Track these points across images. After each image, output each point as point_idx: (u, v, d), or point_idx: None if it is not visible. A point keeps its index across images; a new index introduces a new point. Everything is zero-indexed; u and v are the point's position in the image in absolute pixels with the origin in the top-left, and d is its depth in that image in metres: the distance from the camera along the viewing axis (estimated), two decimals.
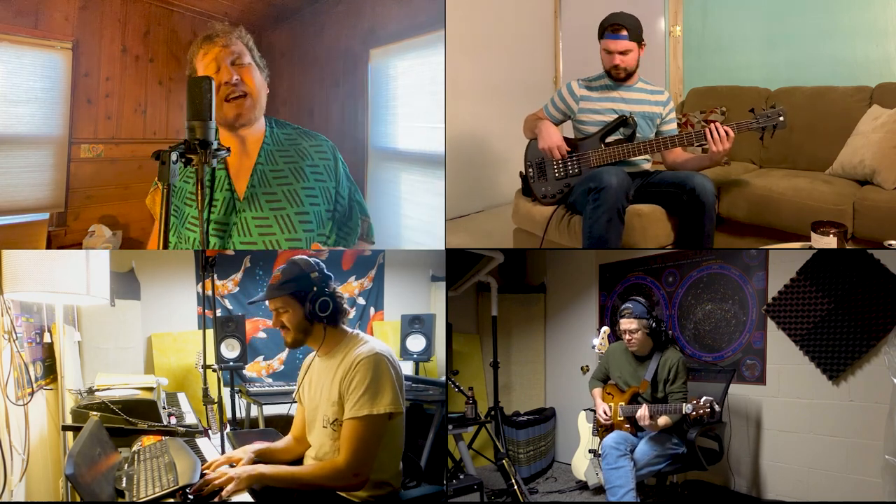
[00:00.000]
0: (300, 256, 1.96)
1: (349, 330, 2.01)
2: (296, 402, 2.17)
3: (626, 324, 2.86)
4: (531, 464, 3.69)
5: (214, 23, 2.08)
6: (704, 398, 2.61)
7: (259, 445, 2.06)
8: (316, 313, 1.90)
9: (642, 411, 2.70)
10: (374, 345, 1.93)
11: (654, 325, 2.86)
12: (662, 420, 2.70)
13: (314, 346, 2.00)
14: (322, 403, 1.96)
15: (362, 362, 1.86)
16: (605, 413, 2.92)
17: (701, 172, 2.97)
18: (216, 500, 1.70)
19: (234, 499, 1.72)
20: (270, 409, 3.74)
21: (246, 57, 2.10)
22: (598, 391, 3.03)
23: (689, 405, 2.63)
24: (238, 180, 2.13)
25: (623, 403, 2.87)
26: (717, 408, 2.61)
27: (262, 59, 2.18)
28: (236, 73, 2.06)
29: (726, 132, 2.81)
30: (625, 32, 2.95)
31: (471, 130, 4.53)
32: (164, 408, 2.70)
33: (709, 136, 2.83)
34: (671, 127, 3.14)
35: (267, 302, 1.96)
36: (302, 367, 2.13)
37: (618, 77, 3.04)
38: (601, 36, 3.02)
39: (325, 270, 1.96)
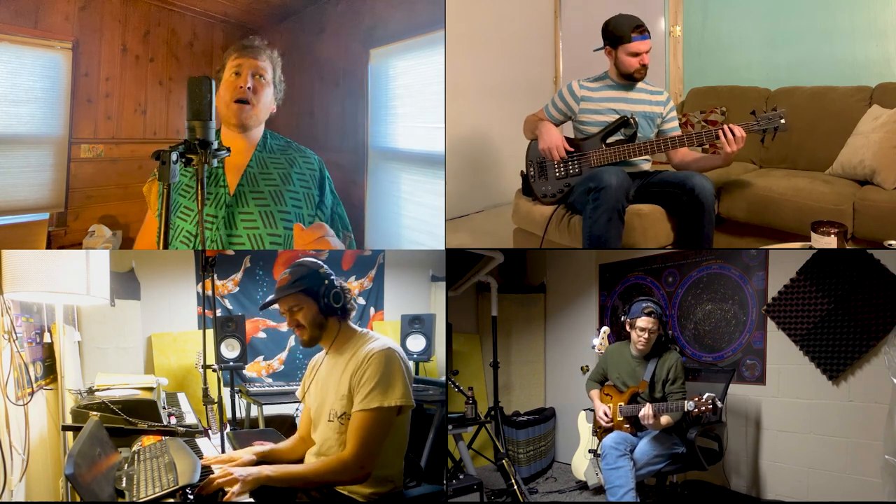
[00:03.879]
0: (304, 258, 2.01)
1: (358, 329, 2.05)
2: (301, 400, 2.18)
3: (647, 323, 2.83)
4: (531, 464, 3.69)
5: (254, 37, 2.33)
6: (707, 395, 2.60)
7: (261, 447, 2.07)
8: (331, 306, 1.95)
9: (646, 410, 2.69)
10: (385, 340, 1.97)
11: (664, 327, 2.87)
12: (665, 419, 2.69)
13: (326, 344, 2.03)
14: (329, 398, 1.97)
15: (375, 356, 1.89)
16: (605, 415, 2.91)
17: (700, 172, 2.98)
18: (218, 500, 1.69)
19: (236, 499, 1.71)
20: (270, 409, 3.74)
21: (268, 74, 2.29)
22: (595, 393, 3.03)
23: (690, 402, 2.62)
24: (230, 177, 2.23)
25: (622, 404, 2.87)
26: (719, 404, 2.61)
27: (282, 82, 2.38)
28: (253, 82, 2.23)
29: (740, 133, 2.80)
30: (647, 32, 2.96)
31: (471, 130, 4.53)
32: (164, 408, 2.70)
33: (723, 138, 2.82)
34: (672, 125, 3.14)
35: (278, 305, 1.99)
36: (309, 365, 2.15)
37: (641, 78, 3.03)
38: (626, 40, 2.96)
39: (328, 269, 2.02)
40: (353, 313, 2.05)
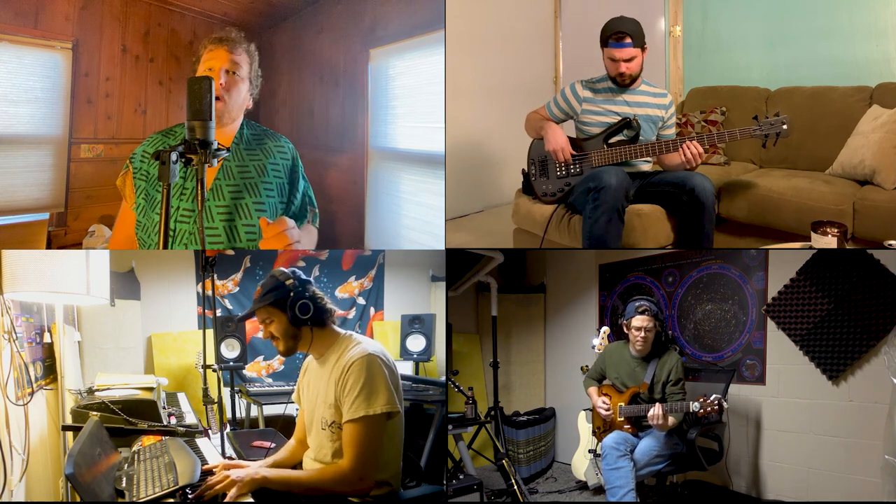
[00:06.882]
0: (277, 269, 2.02)
1: (341, 332, 2.02)
2: (294, 402, 2.18)
3: (644, 321, 2.82)
4: (531, 464, 3.69)
5: (231, 28, 2.25)
6: (713, 396, 2.58)
7: (269, 460, 2.08)
8: (298, 317, 1.93)
9: (656, 410, 2.66)
10: (366, 346, 1.94)
11: (662, 325, 2.86)
12: (671, 420, 2.69)
13: (305, 351, 2.03)
14: (319, 406, 1.97)
15: (355, 364, 1.87)
16: (604, 403, 2.90)
17: (700, 172, 2.98)
18: (219, 501, 1.70)
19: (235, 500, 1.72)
20: (270, 409, 3.74)
21: (242, 70, 2.26)
22: (593, 389, 3.02)
23: (696, 403, 2.60)
24: (207, 171, 2.18)
25: (622, 404, 2.86)
26: (724, 404, 2.58)
27: (259, 77, 2.34)
28: (226, 79, 2.21)
29: (697, 151, 2.87)
30: (629, 40, 2.93)
31: (471, 130, 4.53)
32: (164, 408, 2.70)
33: (681, 150, 2.90)
34: (670, 132, 3.16)
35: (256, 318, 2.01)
36: (301, 368, 2.15)
37: (623, 84, 3.04)
38: (605, 44, 2.99)
39: (302, 276, 2.00)
40: (333, 318, 2.02)
